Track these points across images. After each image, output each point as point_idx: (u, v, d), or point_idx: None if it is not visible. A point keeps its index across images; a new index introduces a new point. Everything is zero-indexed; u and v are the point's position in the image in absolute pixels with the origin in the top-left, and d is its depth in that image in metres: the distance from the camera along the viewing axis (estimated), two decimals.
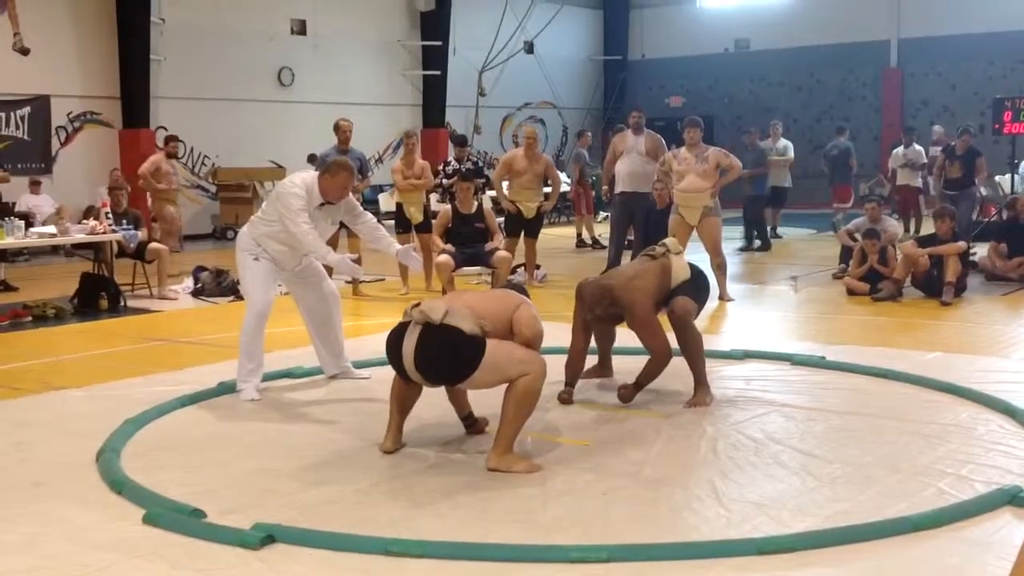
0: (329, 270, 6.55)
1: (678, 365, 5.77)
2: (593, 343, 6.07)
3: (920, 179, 15.66)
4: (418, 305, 4.59)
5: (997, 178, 16.63)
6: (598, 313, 5.65)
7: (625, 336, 6.09)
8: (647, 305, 5.59)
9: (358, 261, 6.34)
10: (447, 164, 11.99)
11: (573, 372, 5.81)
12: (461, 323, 4.46)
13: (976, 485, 4.21)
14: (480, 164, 12.67)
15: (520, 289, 5.26)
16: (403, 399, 4.87)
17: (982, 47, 20.80)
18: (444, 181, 11.68)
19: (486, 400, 5.13)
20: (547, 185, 11.54)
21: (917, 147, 15.95)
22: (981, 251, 10.80)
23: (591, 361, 6.16)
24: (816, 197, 21.12)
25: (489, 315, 4.62)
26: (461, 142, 12.55)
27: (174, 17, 17.21)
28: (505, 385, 4.60)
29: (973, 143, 13.27)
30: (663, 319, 5.74)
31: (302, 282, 6.30)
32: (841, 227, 12.65)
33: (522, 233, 11.01)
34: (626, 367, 5.88)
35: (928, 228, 10.98)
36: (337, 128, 10.47)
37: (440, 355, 4.50)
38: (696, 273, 5.90)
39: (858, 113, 22.68)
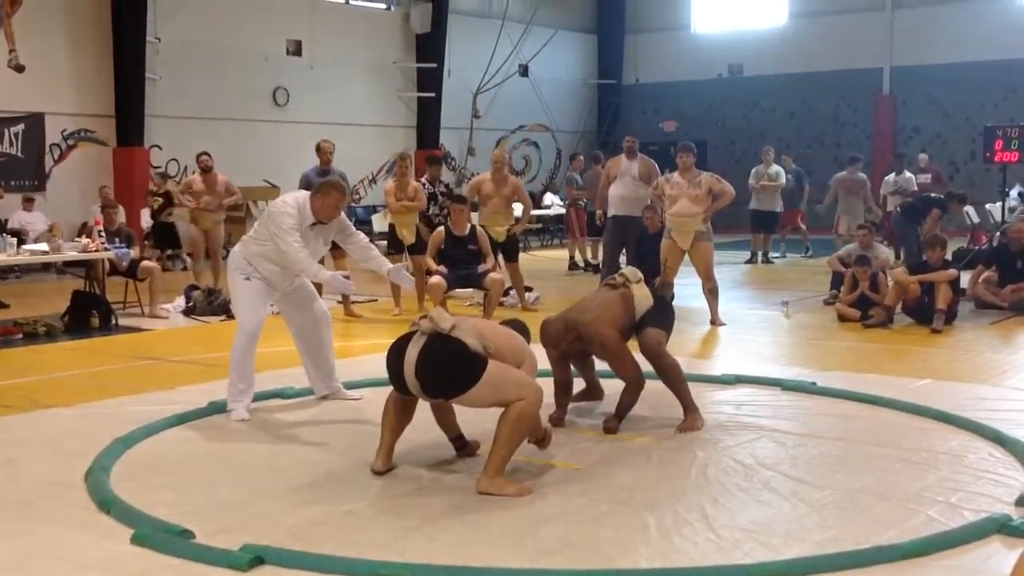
0: (319, 288, 6.54)
1: (667, 389, 5.77)
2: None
3: None
4: (426, 316, 4.62)
5: (988, 206, 16.71)
6: (563, 349, 5.68)
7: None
8: (615, 336, 5.59)
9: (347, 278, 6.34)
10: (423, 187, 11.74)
11: (561, 399, 5.82)
12: (466, 338, 4.50)
13: (965, 513, 4.22)
14: (450, 188, 12.37)
15: (522, 327, 5.27)
16: (395, 420, 4.88)
17: (974, 75, 20.94)
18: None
19: (476, 422, 5.13)
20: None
21: (908, 174, 16.03)
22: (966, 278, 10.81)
23: (579, 385, 6.17)
24: (808, 222, 21.23)
25: (495, 341, 4.65)
26: (432, 161, 12.25)
27: (170, 36, 17.25)
28: (493, 408, 4.62)
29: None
30: (634, 350, 5.74)
31: (293, 302, 6.30)
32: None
33: (500, 258, 10.95)
34: (619, 389, 5.86)
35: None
36: (319, 149, 10.55)
37: (442, 365, 4.53)
38: (659, 300, 5.89)
39: (850, 139, 22.77)
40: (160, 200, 15.33)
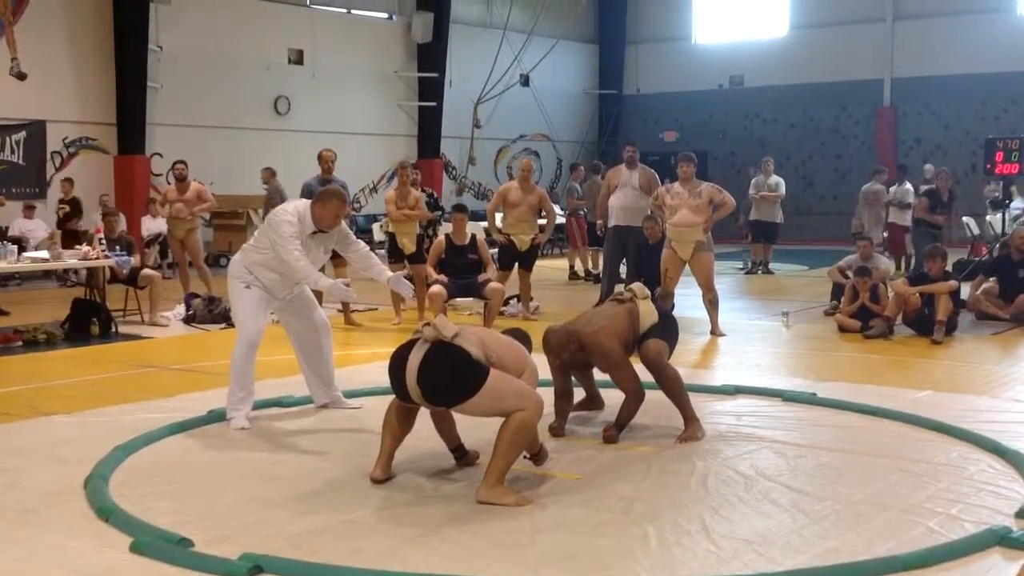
0: (320, 296, 6.52)
1: (668, 400, 5.77)
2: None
3: (909, 218, 15.72)
4: (429, 324, 4.62)
5: (988, 217, 16.72)
6: (565, 359, 5.69)
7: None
8: (617, 347, 5.61)
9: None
10: None
11: (561, 409, 5.82)
12: (469, 347, 4.51)
13: (966, 525, 4.21)
14: (436, 198, 12.30)
15: (523, 337, 5.27)
16: (396, 429, 4.87)
17: (974, 87, 20.99)
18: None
19: (476, 431, 5.13)
20: (542, 217, 11.49)
21: (908, 186, 16.03)
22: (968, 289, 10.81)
23: (579, 395, 6.17)
24: (808, 233, 21.28)
25: (497, 350, 4.65)
26: (413, 167, 12.33)
27: (172, 45, 17.29)
28: (492, 417, 4.62)
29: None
30: (636, 362, 5.74)
31: (293, 311, 6.29)
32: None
33: (516, 265, 10.98)
34: (619, 399, 5.86)
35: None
36: (320, 158, 10.57)
37: (443, 373, 4.54)
38: (664, 316, 5.91)
39: (851, 151, 22.83)
40: (67, 208, 15.06)
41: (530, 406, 4.56)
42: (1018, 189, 15.87)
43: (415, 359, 4.56)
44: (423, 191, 11.73)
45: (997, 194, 16.93)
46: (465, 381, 4.50)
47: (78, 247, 10.90)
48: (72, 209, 15.14)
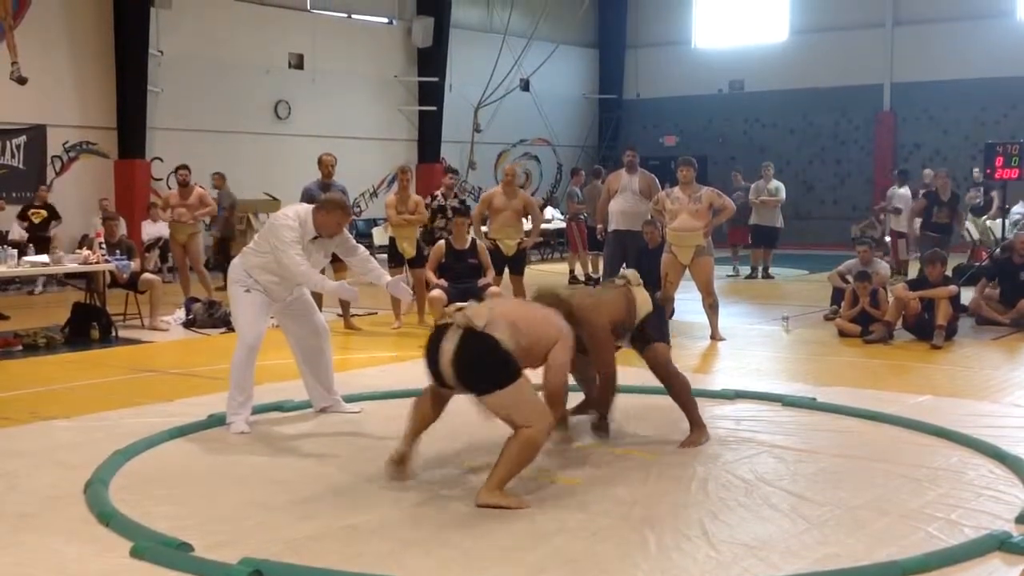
0: (319, 300, 6.52)
1: (668, 405, 5.78)
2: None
3: (904, 222, 15.70)
4: (461, 310, 4.69)
5: (988, 222, 16.73)
6: None
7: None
8: (606, 324, 5.53)
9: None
10: (433, 199, 11.62)
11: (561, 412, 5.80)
12: (501, 336, 4.57)
13: (965, 530, 4.21)
14: (466, 203, 12.29)
15: (558, 301, 5.24)
16: (426, 411, 4.94)
17: (974, 92, 20.99)
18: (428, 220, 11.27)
19: (483, 432, 5.13)
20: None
21: (903, 190, 16.01)
22: (967, 294, 10.81)
23: (578, 400, 6.16)
24: (808, 238, 21.28)
25: (528, 333, 4.70)
26: (450, 171, 12.36)
27: (172, 49, 17.29)
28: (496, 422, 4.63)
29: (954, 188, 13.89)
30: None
31: (292, 315, 6.30)
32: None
33: (506, 271, 10.93)
34: (619, 404, 5.86)
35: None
36: (320, 162, 10.55)
37: (478, 359, 4.59)
38: (656, 307, 5.87)
39: (851, 156, 22.84)
40: (44, 213, 14.68)
41: (541, 425, 4.60)
42: (998, 195, 15.85)
43: (449, 345, 4.62)
44: (455, 197, 11.67)
45: (979, 200, 16.98)
46: (498, 370, 4.56)
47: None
48: (50, 214, 14.90)
